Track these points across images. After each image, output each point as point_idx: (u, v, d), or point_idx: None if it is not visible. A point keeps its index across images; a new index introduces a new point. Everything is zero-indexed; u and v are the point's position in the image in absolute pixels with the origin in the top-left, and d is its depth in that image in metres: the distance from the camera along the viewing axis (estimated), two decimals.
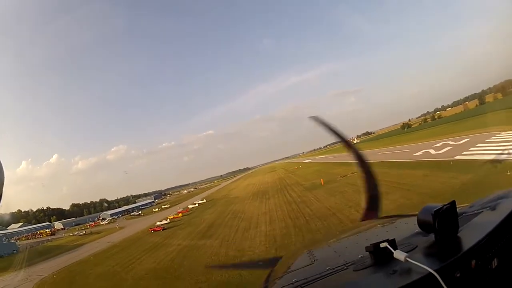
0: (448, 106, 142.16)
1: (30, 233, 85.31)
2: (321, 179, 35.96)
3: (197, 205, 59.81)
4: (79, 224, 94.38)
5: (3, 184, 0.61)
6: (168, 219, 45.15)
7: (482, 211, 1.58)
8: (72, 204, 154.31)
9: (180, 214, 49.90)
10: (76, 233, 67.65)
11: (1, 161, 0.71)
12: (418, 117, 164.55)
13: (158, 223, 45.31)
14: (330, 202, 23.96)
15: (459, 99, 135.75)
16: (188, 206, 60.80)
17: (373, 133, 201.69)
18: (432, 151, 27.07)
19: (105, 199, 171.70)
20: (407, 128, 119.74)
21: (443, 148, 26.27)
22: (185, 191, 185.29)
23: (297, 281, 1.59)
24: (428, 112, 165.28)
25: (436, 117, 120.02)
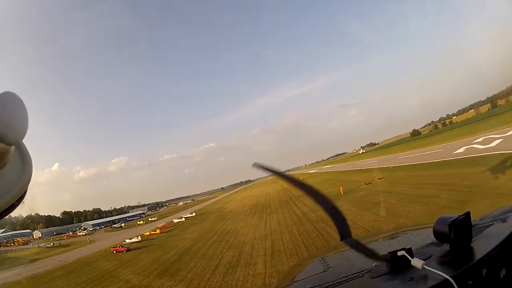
0: (454, 115, 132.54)
1: (5, 241, 77.39)
2: (340, 187, 27.42)
3: (183, 219, 50.60)
4: (60, 234, 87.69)
5: (29, 180, 0.62)
6: (139, 237, 35.29)
7: (493, 223, 1.61)
8: (64, 211, 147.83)
9: (158, 231, 40.04)
10: (43, 244, 58.44)
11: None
12: (423, 127, 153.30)
13: (127, 240, 35.80)
14: (366, 219, 15.61)
15: (463, 107, 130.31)
16: (174, 220, 51.21)
17: (377, 144, 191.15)
18: (479, 146, 22.31)
19: (98, 208, 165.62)
20: (417, 135, 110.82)
21: (491, 142, 21.52)
22: (181, 203, 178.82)
23: (312, 287, 1.58)
24: (432, 121, 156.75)
25: (447, 123, 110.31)
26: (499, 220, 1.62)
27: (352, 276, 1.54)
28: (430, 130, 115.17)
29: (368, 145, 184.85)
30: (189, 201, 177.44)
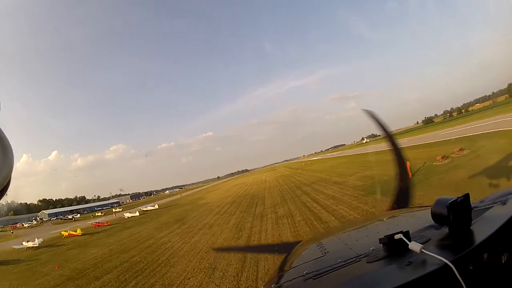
0: (458, 108, 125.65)
1: None
2: (407, 163, 14.13)
3: (137, 214, 37.44)
4: (16, 223, 76.65)
5: (11, 171, 0.64)
6: (37, 241, 22.15)
7: (493, 206, 1.56)
8: (42, 199, 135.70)
9: (78, 231, 26.97)
10: None
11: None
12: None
13: (24, 243, 22.60)
14: None
15: (469, 101, 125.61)
16: (126, 215, 37.99)
17: (379, 136, 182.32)
18: None
19: (83, 196, 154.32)
20: (430, 122, 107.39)
21: None
22: (167, 192, 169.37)
23: (308, 272, 1.53)
24: (436, 115, 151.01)
25: (463, 110, 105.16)
26: (499, 203, 1.54)
27: (349, 260, 1.49)
28: (444, 118, 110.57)
29: (370, 136, 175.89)
30: (177, 190, 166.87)
